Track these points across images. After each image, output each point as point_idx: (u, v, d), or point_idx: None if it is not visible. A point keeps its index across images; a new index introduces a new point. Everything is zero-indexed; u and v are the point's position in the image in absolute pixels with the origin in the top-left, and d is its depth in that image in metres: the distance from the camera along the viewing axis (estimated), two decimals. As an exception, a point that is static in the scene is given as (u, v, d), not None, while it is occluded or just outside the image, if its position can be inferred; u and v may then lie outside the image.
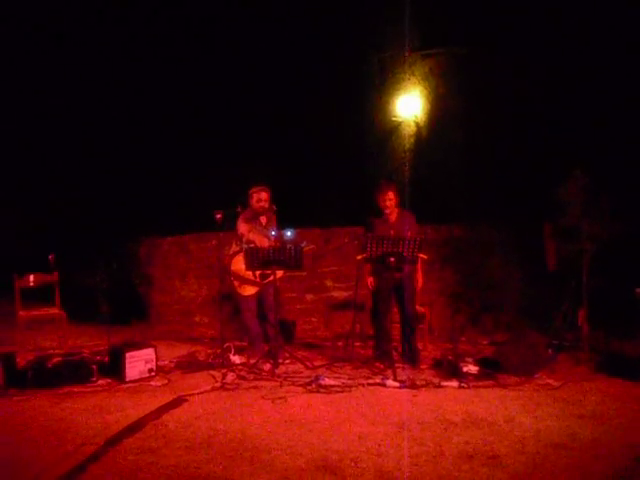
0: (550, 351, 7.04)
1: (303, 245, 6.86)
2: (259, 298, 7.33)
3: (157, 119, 11.68)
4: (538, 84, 9.78)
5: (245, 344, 7.55)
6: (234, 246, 7.30)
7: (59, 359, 6.23)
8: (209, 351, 7.68)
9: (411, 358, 7.04)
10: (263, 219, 7.35)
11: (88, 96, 11.79)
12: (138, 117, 11.77)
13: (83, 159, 11.93)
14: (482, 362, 6.67)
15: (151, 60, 11.67)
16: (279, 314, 7.38)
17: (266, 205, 7.27)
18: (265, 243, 7.07)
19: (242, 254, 6.97)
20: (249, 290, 7.24)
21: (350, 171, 10.76)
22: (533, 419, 4.98)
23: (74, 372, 6.13)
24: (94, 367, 6.26)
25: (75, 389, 5.93)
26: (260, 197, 7.25)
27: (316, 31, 11.04)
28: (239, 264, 7.10)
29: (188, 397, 5.74)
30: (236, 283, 7.26)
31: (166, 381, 6.33)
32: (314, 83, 11.12)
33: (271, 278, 7.06)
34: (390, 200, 7.03)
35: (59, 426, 4.79)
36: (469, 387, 6.02)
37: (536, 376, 6.36)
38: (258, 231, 7.22)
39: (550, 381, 6.19)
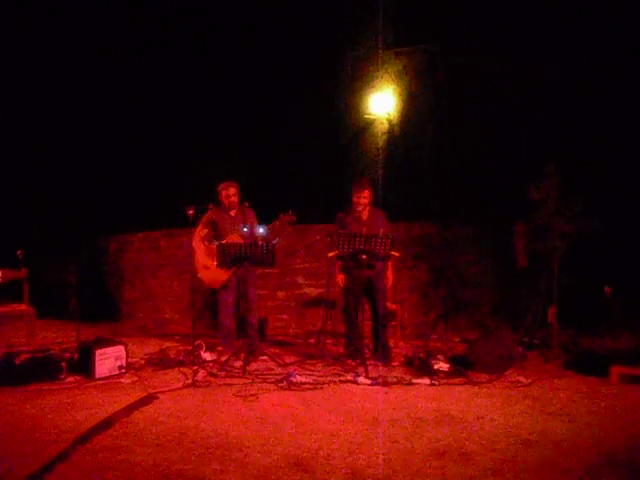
0: (520, 348, 7.11)
1: (275, 242, 6.84)
2: (237, 294, 7.30)
3: (128, 115, 11.59)
4: (511, 83, 9.85)
5: (216, 341, 7.52)
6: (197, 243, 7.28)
7: (27, 356, 6.13)
8: (180, 348, 7.63)
9: (383, 355, 7.05)
10: (232, 213, 7.34)
11: (58, 94, 11.66)
12: (109, 113, 11.67)
13: (53, 155, 11.80)
14: (453, 359, 6.70)
15: (120, 55, 11.58)
16: (251, 311, 7.34)
17: (235, 199, 7.30)
18: (234, 239, 7.05)
19: (206, 249, 7.05)
20: (221, 278, 7.19)
21: (323, 168, 10.77)
22: (503, 416, 5.01)
23: (43, 369, 6.05)
24: (63, 364, 6.17)
25: (44, 386, 5.84)
26: (228, 193, 7.28)
27: (290, 28, 11.02)
28: (206, 259, 7.12)
29: (159, 394, 5.68)
30: (206, 276, 7.24)
31: (136, 378, 6.27)
32: (288, 80, 11.11)
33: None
34: (365, 198, 7.04)
35: (27, 424, 4.71)
36: (440, 384, 6.04)
37: (507, 373, 6.41)
38: (228, 225, 7.22)
39: (520, 378, 6.24)
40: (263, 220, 7.37)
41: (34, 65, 11.62)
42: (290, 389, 5.91)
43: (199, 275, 7.30)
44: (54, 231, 10.96)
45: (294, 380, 6.10)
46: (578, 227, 7.34)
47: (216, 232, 7.25)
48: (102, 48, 11.57)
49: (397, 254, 6.83)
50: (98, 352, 6.18)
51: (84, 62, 11.59)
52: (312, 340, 8.09)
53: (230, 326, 7.30)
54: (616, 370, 6.14)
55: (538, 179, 7.65)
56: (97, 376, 6.14)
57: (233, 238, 7.08)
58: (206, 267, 7.19)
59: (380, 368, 6.69)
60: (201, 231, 7.25)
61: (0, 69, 11.18)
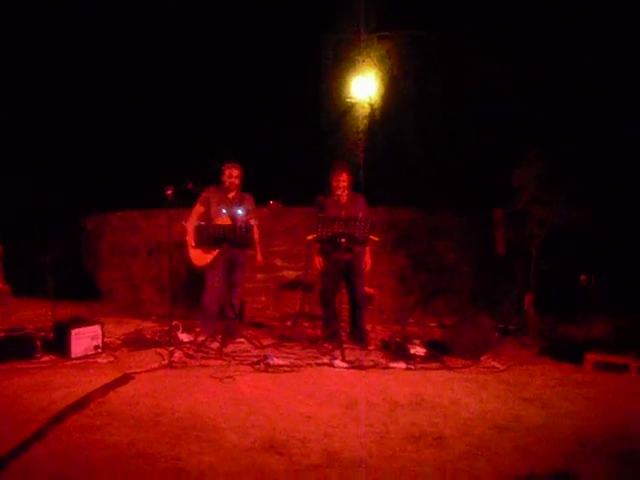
0: (497, 334, 7.17)
1: (253, 223, 6.82)
2: (223, 278, 7.24)
3: (109, 91, 11.46)
4: (494, 69, 9.86)
5: (194, 322, 7.50)
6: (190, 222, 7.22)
7: (1, 334, 6.10)
8: (157, 329, 7.61)
9: (359, 339, 7.09)
10: (230, 195, 7.29)
11: (39, 70, 11.50)
12: (89, 89, 11.54)
13: (30, 130, 11.64)
14: (430, 344, 6.75)
15: (104, 29, 11.45)
16: (235, 293, 7.34)
17: (237, 182, 7.25)
18: (225, 222, 7.02)
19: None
20: (207, 257, 7.17)
21: (303, 150, 10.73)
22: (479, 401, 5.05)
23: (17, 348, 6.00)
24: (38, 343, 6.13)
25: (18, 365, 5.80)
26: (232, 173, 7.22)
27: (272, 11, 10.93)
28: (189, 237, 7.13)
29: (135, 375, 5.67)
30: (193, 254, 7.21)
31: (112, 358, 6.25)
32: (269, 63, 11.04)
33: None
34: (343, 182, 7.05)
35: (1, 403, 4.68)
36: (416, 369, 6.08)
37: (482, 359, 6.47)
38: (225, 206, 7.18)
39: (496, 364, 6.29)
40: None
41: (17, 43, 11.46)
42: (267, 371, 5.92)
43: (189, 254, 7.25)
44: (31, 208, 10.84)
45: (271, 362, 6.11)
46: (557, 215, 7.40)
47: (211, 212, 7.19)
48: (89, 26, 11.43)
49: (376, 238, 6.84)
50: (74, 331, 6.15)
51: (71, 40, 11.44)
52: (289, 323, 8.10)
53: (212, 307, 7.25)
54: (590, 357, 6.20)
55: (521, 165, 7.69)
56: (73, 355, 6.11)
57: (222, 220, 7.05)
58: (194, 247, 7.14)
59: (357, 352, 6.73)
60: (199, 208, 7.21)
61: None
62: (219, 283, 7.21)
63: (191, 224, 7.09)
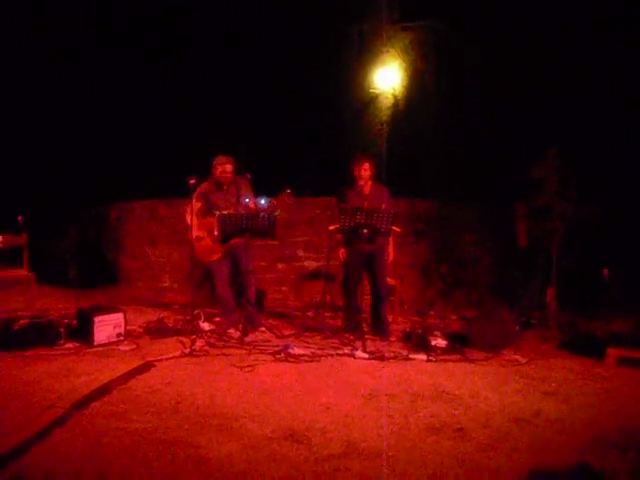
0: (518, 328, 7.12)
1: (277, 213, 6.81)
2: (232, 266, 7.26)
3: (132, 82, 11.51)
4: (519, 63, 9.79)
5: (215, 311, 7.53)
6: (192, 216, 7.18)
7: (26, 321, 6.17)
8: (178, 317, 7.66)
9: (380, 330, 7.08)
10: (225, 187, 7.23)
11: (56, 60, 11.56)
12: (111, 80, 11.59)
13: (54, 120, 11.74)
14: (450, 336, 6.72)
15: (118, 21, 11.49)
16: (248, 285, 7.32)
17: (230, 175, 7.17)
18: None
19: (199, 222, 7.02)
20: (212, 255, 7.15)
21: (326, 141, 10.73)
22: (499, 394, 5.03)
23: (41, 335, 6.07)
24: (62, 330, 6.20)
25: (42, 352, 5.86)
26: (225, 169, 7.10)
27: (296, 2, 10.91)
28: (198, 231, 7.08)
29: (156, 363, 5.71)
30: (197, 250, 7.19)
31: (134, 346, 6.29)
32: (294, 54, 11.01)
33: (234, 242, 7.00)
34: (365, 171, 7.01)
35: (25, 389, 4.74)
36: (437, 361, 6.06)
37: (503, 352, 6.43)
38: (221, 200, 7.14)
39: (516, 357, 6.26)
40: (265, 191, 7.32)
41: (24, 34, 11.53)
42: (287, 361, 5.93)
43: (195, 249, 7.21)
44: (54, 197, 10.94)
45: (292, 352, 6.12)
46: (578, 209, 7.35)
47: (209, 207, 7.14)
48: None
49: (398, 230, 6.82)
50: (97, 319, 6.19)
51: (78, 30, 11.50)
52: (310, 313, 8.11)
53: (228, 298, 7.24)
54: (612, 352, 6.15)
55: (540, 160, 7.64)
56: (95, 343, 6.16)
57: (232, 212, 7.03)
58: (199, 240, 7.11)
59: (378, 343, 6.72)
60: (195, 204, 7.17)
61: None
62: (227, 271, 7.21)
63: (193, 219, 7.05)
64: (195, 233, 7.08)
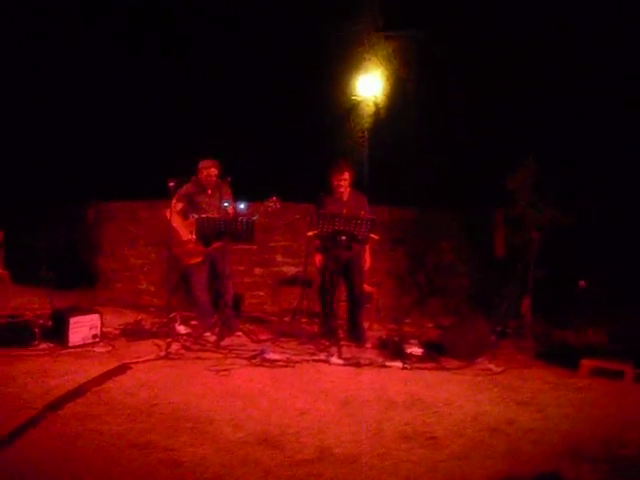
0: (493, 337, 7.18)
1: (255, 218, 6.81)
2: (210, 270, 7.25)
3: (113, 79, 11.45)
4: (500, 73, 9.89)
5: (192, 314, 7.52)
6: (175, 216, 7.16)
7: (0, 321, 6.11)
8: (155, 320, 7.62)
9: (357, 337, 7.10)
10: (209, 191, 7.25)
11: (39, 54, 11.48)
12: (93, 75, 11.52)
13: (32, 116, 11.61)
14: (426, 344, 6.77)
15: (103, 16, 11.44)
16: (226, 290, 7.31)
17: (214, 179, 7.19)
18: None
19: (183, 223, 7.02)
20: (194, 258, 7.14)
21: (306, 147, 10.74)
22: (473, 403, 5.07)
23: (15, 335, 6.00)
24: (36, 330, 6.13)
25: (16, 352, 5.79)
26: (210, 173, 7.11)
27: (278, 7, 10.93)
28: (180, 233, 7.07)
29: (132, 365, 5.69)
30: (179, 252, 7.17)
31: (110, 348, 6.26)
32: (275, 58, 11.04)
33: (214, 246, 7.00)
34: (345, 180, 7.02)
35: (-2, 389, 4.72)
36: (412, 368, 6.09)
37: (478, 361, 6.47)
38: (204, 203, 7.14)
39: (491, 366, 6.31)
40: (245, 195, 7.33)
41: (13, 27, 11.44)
42: (263, 366, 5.94)
43: (174, 250, 7.19)
44: (31, 194, 10.83)
45: (267, 357, 6.14)
46: (553, 220, 7.43)
47: (192, 209, 7.14)
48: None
49: (376, 237, 6.86)
50: (72, 320, 6.15)
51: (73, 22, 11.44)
52: (287, 318, 8.10)
53: (205, 301, 7.23)
54: (586, 363, 6.21)
55: (515, 170, 7.73)
56: (71, 344, 6.11)
57: (210, 215, 7.03)
58: (182, 243, 7.09)
59: (353, 349, 6.75)
60: (176, 205, 7.15)
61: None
62: (205, 276, 7.22)
63: (175, 220, 7.04)
64: (187, 236, 7.04)
